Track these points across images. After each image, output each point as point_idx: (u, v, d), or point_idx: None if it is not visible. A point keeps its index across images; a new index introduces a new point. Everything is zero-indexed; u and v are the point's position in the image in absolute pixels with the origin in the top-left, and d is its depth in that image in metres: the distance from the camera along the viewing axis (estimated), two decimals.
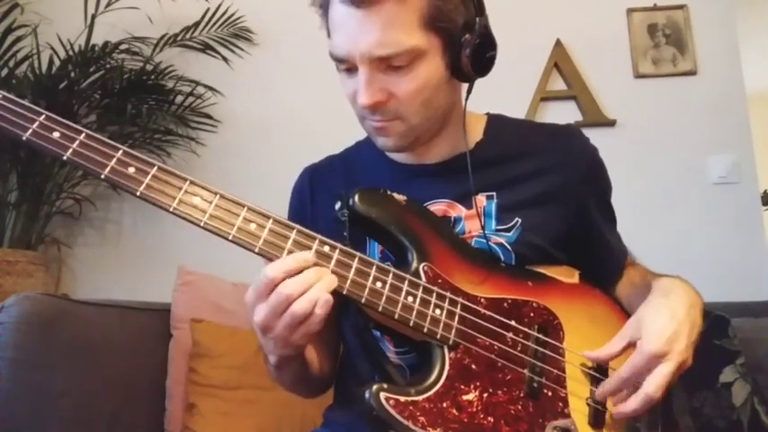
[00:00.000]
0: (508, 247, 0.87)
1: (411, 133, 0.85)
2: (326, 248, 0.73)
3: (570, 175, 0.92)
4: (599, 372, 0.80)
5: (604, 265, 0.97)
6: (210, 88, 2.15)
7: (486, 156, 0.90)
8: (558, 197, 0.91)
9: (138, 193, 0.69)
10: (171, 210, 0.69)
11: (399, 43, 0.77)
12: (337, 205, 0.80)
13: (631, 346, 0.76)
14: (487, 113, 0.99)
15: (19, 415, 1.11)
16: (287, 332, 0.69)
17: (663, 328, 0.74)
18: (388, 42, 0.77)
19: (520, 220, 0.88)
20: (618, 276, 0.98)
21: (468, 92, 0.88)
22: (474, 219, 0.88)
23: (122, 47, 2.06)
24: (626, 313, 0.89)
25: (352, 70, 0.82)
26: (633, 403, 0.73)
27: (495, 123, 0.97)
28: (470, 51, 0.81)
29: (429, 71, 0.81)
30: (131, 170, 0.69)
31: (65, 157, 0.68)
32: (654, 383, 0.72)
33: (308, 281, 0.68)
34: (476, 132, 0.94)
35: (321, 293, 0.68)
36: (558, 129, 0.99)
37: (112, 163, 0.69)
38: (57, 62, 1.95)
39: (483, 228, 0.86)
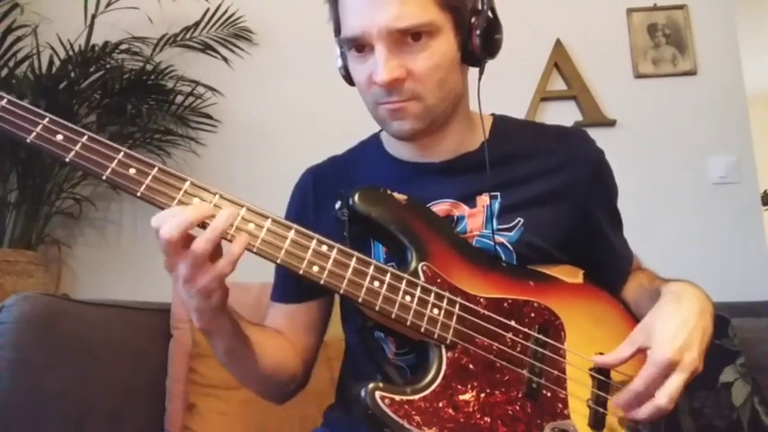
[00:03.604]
0: (509, 246, 0.87)
1: (427, 114, 0.84)
2: (324, 248, 0.73)
3: (575, 176, 0.91)
4: (601, 374, 0.80)
5: (609, 270, 0.96)
6: (210, 88, 2.15)
7: (491, 155, 0.89)
8: (563, 199, 0.90)
9: (138, 194, 0.69)
10: None
11: (418, 16, 0.78)
12: (337, 204, 0.80)
13: (640, 352, 0.76)
14: (492, 114, 0.98)
15: (19, 415, 1.11)
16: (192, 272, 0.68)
17: (674, 337, 0.73)
18: (406, 15, 0.78)
19: (522, 220, 0.88)
20: (623, 281, 0.97)
21: (480, 73, 0.88)
22: (476, 217, 0.88)
23: (122, 47, 2.05)
24: (631, 314, 0.89)
25: (367, 52, 0.82)
26: (644, 414, 0.73)
27: (501, 124, 0.97)
28: (481, 32, 0.83)
29: (444, 49, 0.82)
30: (132, 171, 0.70)
31: (67, 159, 0.69)
32: (666, 395, 0.72)
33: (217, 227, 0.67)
34: (481, 131, 0.93)
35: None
36: (564, 130, 0.99)
37: (113, 164, 0.70)
38: (57, 62, 1.95)
39: (491, 226, 0.86)
